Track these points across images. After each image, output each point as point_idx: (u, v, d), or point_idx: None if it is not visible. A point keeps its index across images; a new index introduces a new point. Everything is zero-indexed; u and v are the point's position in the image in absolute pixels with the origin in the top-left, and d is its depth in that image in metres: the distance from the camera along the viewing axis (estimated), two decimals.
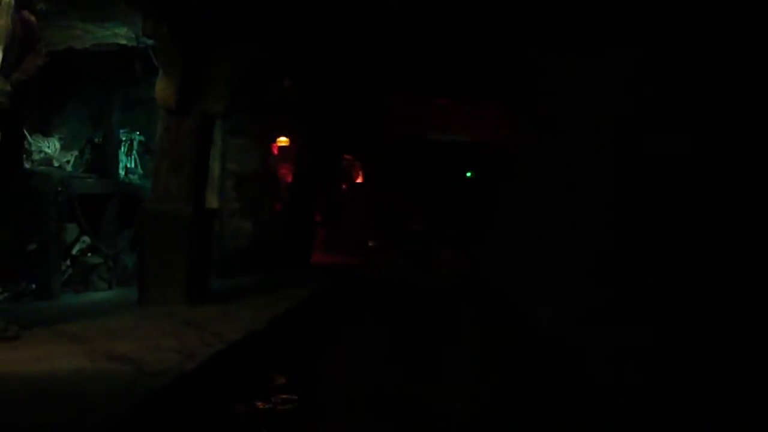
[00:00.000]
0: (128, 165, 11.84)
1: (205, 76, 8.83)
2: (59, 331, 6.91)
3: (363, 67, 13.74)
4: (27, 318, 7.51)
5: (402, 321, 10.58)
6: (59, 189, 9.20)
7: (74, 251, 10.18)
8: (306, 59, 12.43)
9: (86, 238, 10.23)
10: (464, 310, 12.02)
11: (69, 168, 10.17)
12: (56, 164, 10.06)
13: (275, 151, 15.63)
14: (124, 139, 11.81)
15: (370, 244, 23.74)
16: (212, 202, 12.42)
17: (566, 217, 9.84)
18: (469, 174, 26.24)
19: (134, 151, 11.96)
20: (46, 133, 10.32)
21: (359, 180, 23.59)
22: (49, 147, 10.00)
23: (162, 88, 8.61)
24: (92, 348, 6.16)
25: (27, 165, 9.60)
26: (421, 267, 18.81)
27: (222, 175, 12.59)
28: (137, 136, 11.89)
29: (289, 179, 15.77)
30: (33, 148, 9.78)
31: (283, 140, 14.71)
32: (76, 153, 10.42)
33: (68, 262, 10.06)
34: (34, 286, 9.10)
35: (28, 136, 9.72)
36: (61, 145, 10.35)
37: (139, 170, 11.89)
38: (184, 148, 8.76)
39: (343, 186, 23.72)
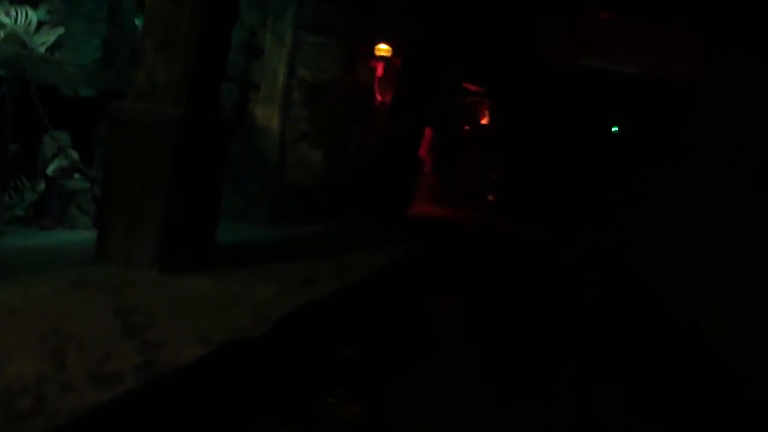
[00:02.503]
0: None
1: None
2: None
3: None
4: None
5: (530, 340, 6.34)
6: (1, 74, 5.96)
7: (50, 170, 7.00)
8: None
9: (72, 154, 7.05)
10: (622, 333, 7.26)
11: (41, 50, 6.90)
12: (33, 46, 6.85)
13: (379, 71, 11.98)
14: None
15: (490, 198, 19.85)
16: (272, 119, 9.04)
17: None
18: (615, 129, 21.64)
19: None
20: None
21: (484, 121, 19.69)
22: (15, 20, 6.73)
23: None
24: None
25: None
26: (548, 239, 14.20)
27: (288, 85, 9.08)
28: None
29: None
30: None
31: (383, 48, 10.96)
32: (61, 31, 7.12)
33: (42, 186, 6.97)
34: None
35: None
36: (45, 20, 7.07)
37: None
38: (182, 14, 5.27)
39: (465, 127, 19.94)
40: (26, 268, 5.07)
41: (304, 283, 5.63)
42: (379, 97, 12.05)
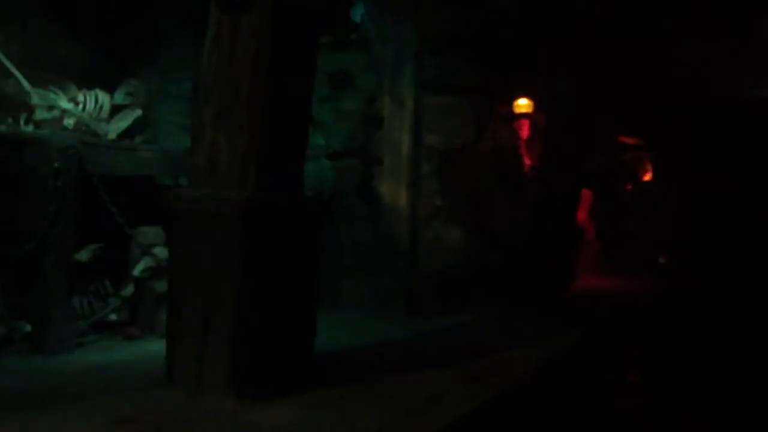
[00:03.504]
0: None
1: None
2: None
3: None
4: None
5: None
6: (56, 165, 5.11)
7: (136, 272, 6.08)
8: None
9: (159, 252, 6.11)
10: None
11: (112, 137, 6.09)
12: (104, 133, 6.08)
13: (524, 131, 10.57)
14: None
15: (662, 261, 17.86)
16: (399, 196, 7.89)
17: None
18: None
19: None
20: (115, 86, 6.39)
21: (647, 177, 17.86)
22: (83, 106, 5.98)
23: None
24: None
25: (28, 127, 5.73)
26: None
27: (415, 155, 7.91)
28: None
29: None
30: (36, 101, 5.75)
31: (523, 104, 9.58)
32: (138, 115, 6.32)
33: (129, 290, 6.08)
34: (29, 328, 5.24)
35: (25, 83, 5.76)
36: (124, 103, 6.31)
37: None
38: (241, 73, 4.19)
39: (628, 186, 18.21)
40: (76, 395, 4.16)
41: (426, 404, 4.29)
42: (527, 161, 10.66)
